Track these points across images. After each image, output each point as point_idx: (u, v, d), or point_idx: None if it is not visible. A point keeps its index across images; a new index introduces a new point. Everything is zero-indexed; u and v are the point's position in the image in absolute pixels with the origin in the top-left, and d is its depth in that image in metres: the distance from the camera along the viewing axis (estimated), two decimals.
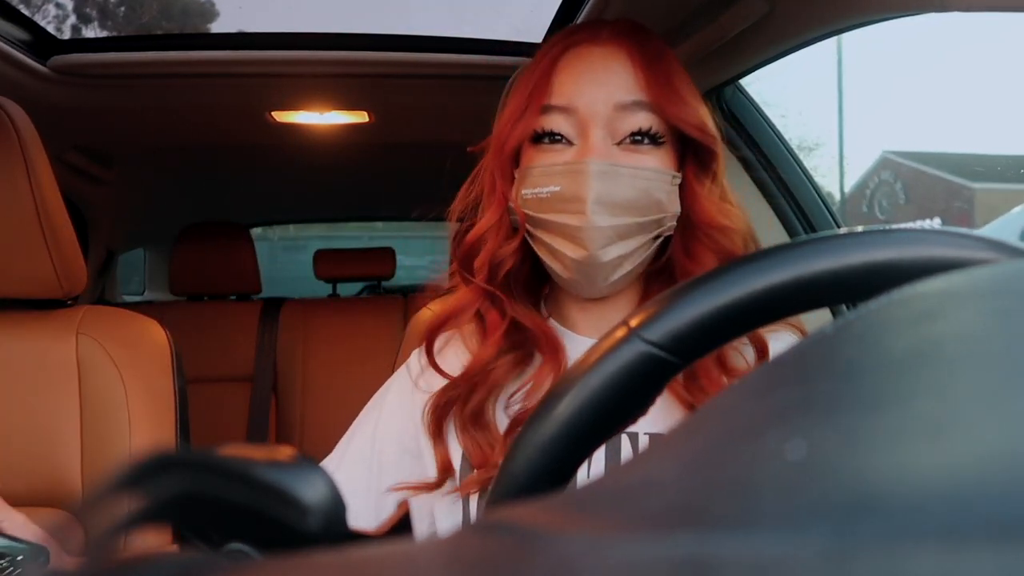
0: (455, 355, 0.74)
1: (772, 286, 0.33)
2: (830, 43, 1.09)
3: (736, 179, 1.35)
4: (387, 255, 2.63)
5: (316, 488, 0.24)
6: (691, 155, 0.67)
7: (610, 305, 0.72)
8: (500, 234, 0.69)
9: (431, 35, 1.46)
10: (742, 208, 0.70)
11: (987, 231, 0.35)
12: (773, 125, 1.40)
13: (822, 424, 0.15)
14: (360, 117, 1.73)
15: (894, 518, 0.11)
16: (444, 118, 1.70)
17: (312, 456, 0.25)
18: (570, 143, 0.66)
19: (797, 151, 1.42)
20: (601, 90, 0.65)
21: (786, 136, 1.42)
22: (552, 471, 0.34)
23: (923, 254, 0.31)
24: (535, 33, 1.42)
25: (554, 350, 0.69)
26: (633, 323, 0.34)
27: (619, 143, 0.65)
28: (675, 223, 0.67)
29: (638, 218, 0.64)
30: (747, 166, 1.36)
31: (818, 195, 1.37)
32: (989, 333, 0.17)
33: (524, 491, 0.34)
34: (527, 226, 0.67)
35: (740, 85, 1.35)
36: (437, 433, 0.71)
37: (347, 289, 2.85)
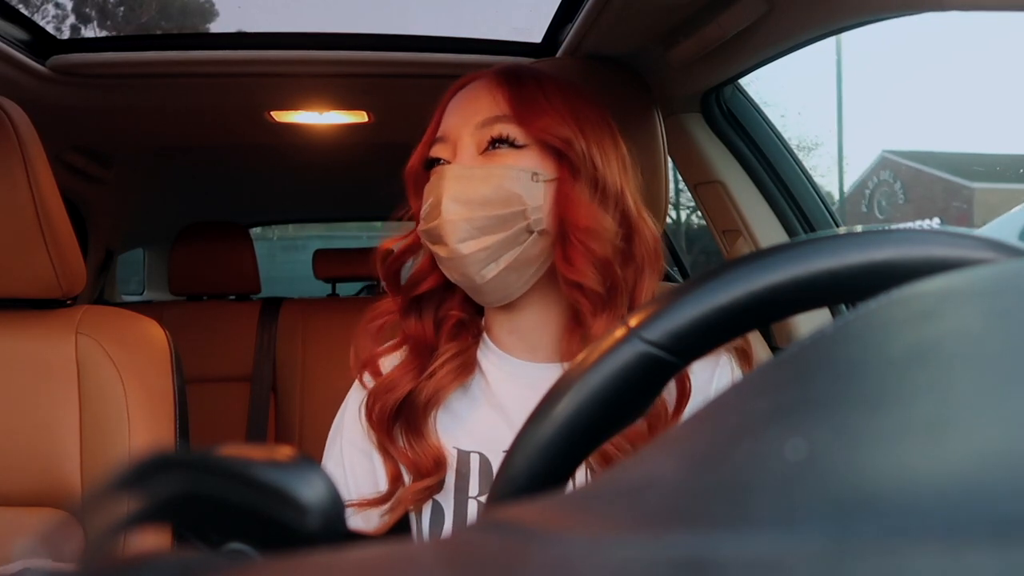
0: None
1: (771, 286, 0.33)
2: (829, 42, 1.09)
3: (736, 179, 1.36)
4: None
5: (315, 488, 0.24)
6: (562, 162, 0.72)
7: (533, 321, 0.76)
8: (419, 252, 0.78)
9: (431, 35, 1.45)
10: (650, 225, 0.75)
11: (986, 231, 0.35)
12: (772, 125, 1.40)
13: (822, 424, 0.15)
14: (359, 117, 1.73)
15: (893, 518, 0.11)
16: None
17: (311, 456, 0.25)
18: (448, 163, 0.73)
19: (796, 151, 1.42)
20: (466, 113, 0.73)
21: (785, 136, 1.42)
22: (551, 471, 0.34)
23: (922, 254, 0.31)
24: (535, 33, 1.42)
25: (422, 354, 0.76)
26: (632, 323, 0.34)
27: (483, 152, 0.72)
28: (542, 217, 0.71)
29: (496, 211, 0.69)
30: (746, 166, 1.36)
31: (817, 195, 1.37)
32: (988, 333, 0.17)
33: (523, 491, 0.34)
34: (426, 243, 0.74)
35: (739, 85, 1.35)
36: (381, 445, 0.75)
37: (346, 289, 2.84)
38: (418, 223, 0.76)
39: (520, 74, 0.76)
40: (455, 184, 0.70)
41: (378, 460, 0.76)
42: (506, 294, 0.73)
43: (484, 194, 0.69)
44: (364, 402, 0.76)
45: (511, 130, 0.71)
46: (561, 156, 0.72)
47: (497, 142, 0.71)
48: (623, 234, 0.73)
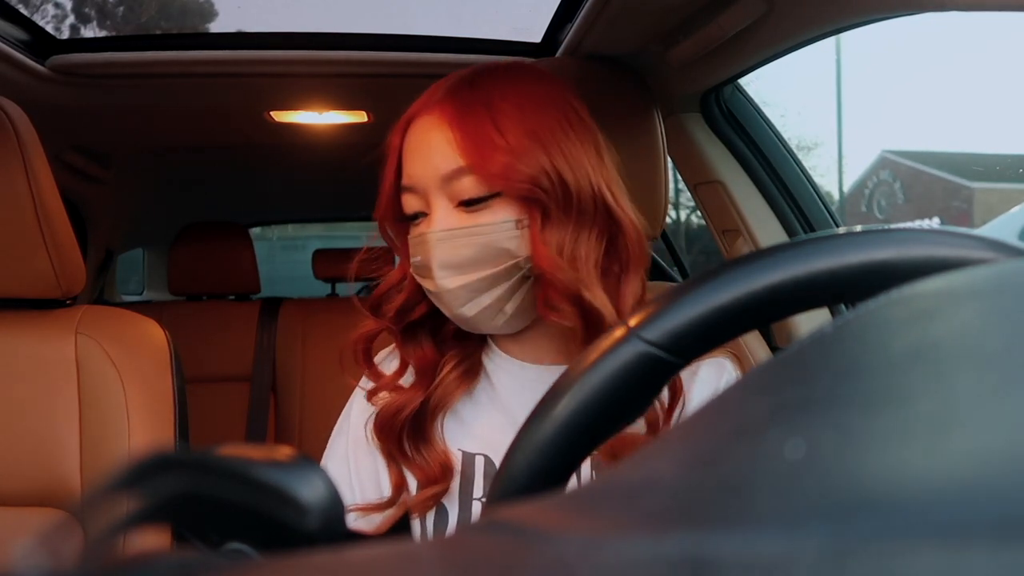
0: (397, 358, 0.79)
1: (771, 285, 0.33)
2: (829, 42, 1.09)
3: (736, 179, 1.36)
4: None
5: (315, 488, 0.24)
6: (533, 205, 0.68)
7: (539, 331, 0.75)
8: (405, 285, 0.75)
9: (431, 35, 1.45)
10: (631, 216, 0.71)
11: (986, 230, 0.35)
12: (772, 125, 1.40)
13: (821, 423, 0.15)
14: (359, 117, 1.73)
15: (893, 517, 0.11)
16: None
17: (311, 456, 0.25)
18: (426, 214, 0.71)
19: (796, 150, 1.42)
20: (428, 165, 0.69)
21: (785, 135, 1.42)
22: (551, 471, 0.34)
23: (922, 254, 0.31)
24: (535, 33, 1.41)
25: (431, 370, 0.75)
26: (632, 323, 0.34)
27: (457, 207, 0.69)
28: (531, 265, 0.69)
29: (488, 270, 0.68)
30: (746, 166, 1.36)
31: (817, 194, 1.37)
32: (988, 333, 0.17)
33: (523, 491, 0.34)
34: (424, 288, 0.72)
35: (739, 85, 1.35)
36: (388, 452, 0.74)
37: (346, 289, 2.84)
38: (403, 261, 0.76)
39: (467, 103, 0.70)
40: (441, 250, 0.68)
41: (382, 461, 0.76)
42: (516, 327, 0.73)
43: (471, 256, 0.68)
44: (371, 417, 0.75)
45: (474, 187, 0.68)
46: (531, 200, 0.68)
47: (466, 202, 0.68)
48: (607, 235, 0.70)
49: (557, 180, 0.68)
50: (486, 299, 0.69)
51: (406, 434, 0.73)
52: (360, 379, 0.80)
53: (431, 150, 0.70)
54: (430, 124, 0.71)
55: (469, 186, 0.68)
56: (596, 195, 0.69)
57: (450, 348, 0.76)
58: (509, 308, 0.70)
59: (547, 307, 0.68)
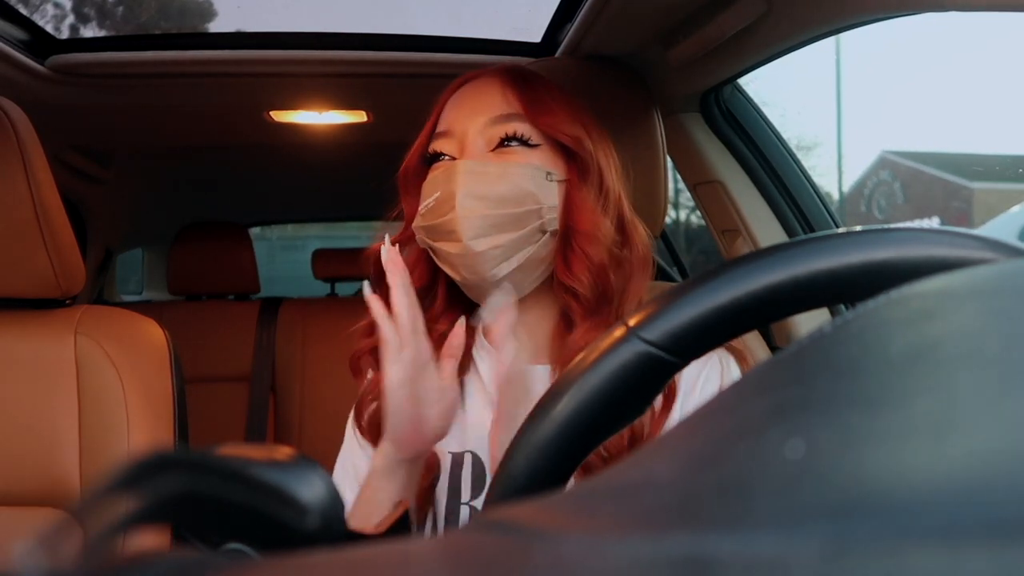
0: None
1: (771, 285, 0.33)
2: (828, 42, 1.09)
3: (735, 179, 1.36)
4: None
5: (314, 488, 0.24)
6: (572, 163, 0.72)
7: (528, 322, 0.75)
8: (405, 250, 0.75)
9: (430, 35, 1.45)
10: (641, 232, 0.75)
11: (985, 230, 0.35)
12: (771, 124, 1.40)
13: (820, 423, 0.15)
14: (359, 117, 1.73)
15: (892, 517, 0.11)
16: None
17: (310, 456, 0.25)
18: (453, 159, 0.72)
19: (795, 150, 1.42)
20: (473, 109, 0.72)
21: (784, 135, 1.42)
22: (550, 471, 0.34)
23: (921, 253, 0.31)
24: (534, 33, 1.41)
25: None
26: (632, 322, 0.34)
27: (493, 149, 0.71)
28: (556, 217, 0.71)
29: (511, 209, 0.68)
30: (746, 166, 1.36)
31: (816, 194, 1.37)
32: (987, 333, 0.17)
33: (522, 490, 0.34)
34: (426, 240, 0.72)
35: (738, 84, 1.35)
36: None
37: (345, 289, 2.84)
38: (408, 222, 0.75)
39: (526, 73, 0.75)
40: (469, 179, 0.68)
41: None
42: (513, 287, 0.72)
43: (499, 191, 0.68)
44: (353, 408, 0.76)
45: (524, 128, 0.70)
46: (571, 157, 0.71)
47: (510, 139, 0.70)
48: (619, 240, 0.73)
49: (595, 161, 0.72)
50: (501, 239, 0.68)
51: None
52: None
53: (483, 97, 0.73)
54: (486, 81, 0.74)
55: (516, 127, 0.71)
56: (618, 198, 0.73)
57: (441, 340, 0.75)
58: (517, 258, 0.69)
59: (566, 268, 0.70)
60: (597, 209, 0.71)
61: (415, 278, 0.74)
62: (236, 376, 2.13)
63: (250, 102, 1.62)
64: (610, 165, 0.74)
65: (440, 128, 0.73)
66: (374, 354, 0.77)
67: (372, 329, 0.78)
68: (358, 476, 0.77)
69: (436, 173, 0.72)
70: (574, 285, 0.69)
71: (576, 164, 0.71)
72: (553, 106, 0.72)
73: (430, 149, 0.74)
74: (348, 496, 0.75)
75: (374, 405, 0.73)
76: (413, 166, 0.75)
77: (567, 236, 0.71)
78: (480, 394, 0.76)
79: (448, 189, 0.68)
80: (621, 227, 0.73)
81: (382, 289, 0.77)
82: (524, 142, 0.70)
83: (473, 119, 0.71)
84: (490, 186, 0.68)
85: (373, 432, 0.73)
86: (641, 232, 0.75)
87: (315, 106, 1.66)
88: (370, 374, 0.77)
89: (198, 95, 1.57)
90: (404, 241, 0.76)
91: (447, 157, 0.72)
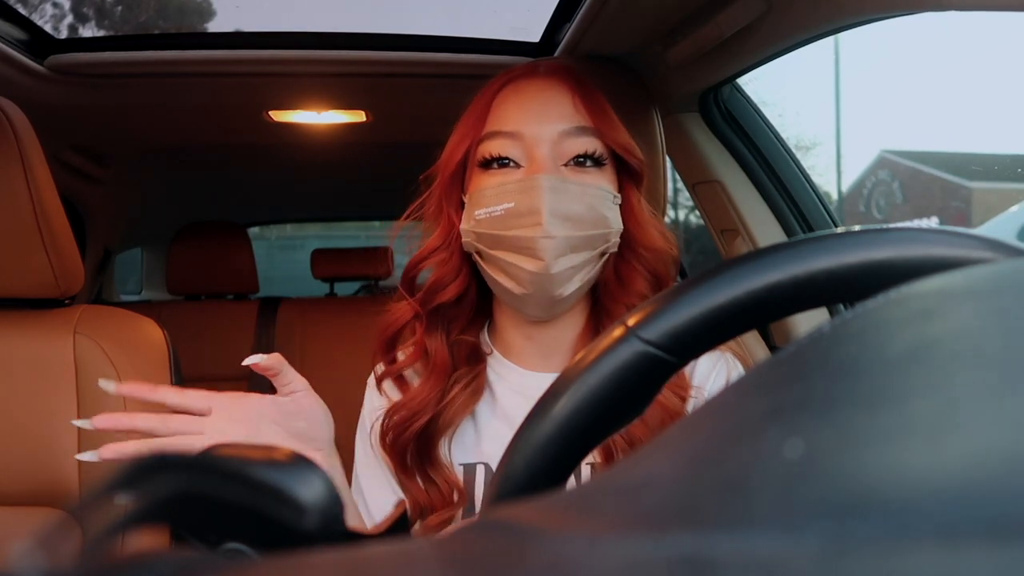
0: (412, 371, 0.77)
1: (770, 285, 0.33)
2: (828, 42, 1.09)
3: (734, 178, 1.36)
4: (384, 254, 2.63)
5: (313, 487, 0.24)
6: (628, 178, 0.72)
7: (555, 331, 0.74)
8: (443, 257, 0.73)
9: (429, 35, 1.45)
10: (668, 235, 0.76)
11: (984, 230, 0.35)
12: (770, 124, 1.40)
13: (819, 423, 0.15)
14: (358, 116, 1.73)
15: (891, 517, 0.11)
16: (442, 118, 1.69)
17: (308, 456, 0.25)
18: (518, 166, 0.69)
19: (795, 150, 1.42)
20: (546, 117, 0.69)
21: (783, 135, 1.42)
22: (550, 470, 0.34)
23: (920, 253, 0.31)
24: (533, 33, 1.41)
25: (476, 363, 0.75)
26: (631, 322, 0.34)
27: (564, 164, 0.69)
28: (618, 240, 0.71)
29: (588, 231, 0.68)
30: (745, 165, 1.36)
31: (815, 194, 1.37)
32: (986, 332, 0.17)
33: (522, 490, 0.34)
34: (479, 246, 0.70)
35: (738, 84, 1.35)
36: (403, 471, 0.73)
37: (344, 288, 2.84)
38: (441, 221, 0.73)
39: (581, 77, 0.73)
40: (553, 197, 0.66)
41: (389, 470, 0.76)
42: (562, 310, 0.72)
43: (578, 212, 0.67)
44: (379, 422, 0.75)
45: (596, 146, 0.69)
46: (631, 174, 0.71)
47: (584, 157, 0.69)
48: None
49: (644, 168, 0.73)
50: (575, 259, 0.67)
51: (411, 452, 0.72)
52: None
53: (552, 106, 0.70)
54: (546, 86, 0.71)
55: (589, 145, 0.69)
56: (661, 205, 0.78)
57: (462, 365, 0.74)
58: (580, 277, 0.69)
59: (620, 286, 0.71)
60: (652, 220, 0.72)
61: (454, 288, 0.73)
62: (235, 376, 2.12)
63: (249, 102, 1.62)
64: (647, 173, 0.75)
65: (497, 128, 0.70)
66: (399, 378, 0.76)
67: (393, 346, 0.78)
68: (392, 486, 0.76)
69: (506, 181, 0.69)
70: (633, 301, 0.69)
71: (632, 180, 0.72)
72: (613, 118, 0.71)
73: (488, 152, 0.70)
74: (376, 512, 0.74)
75: (406, 427, 0.72)
76: (456, 162, 0.72)
77: (622, 253, 0.71)
78: (491, 409, 0.76)
79: (529, 203, 0.66)
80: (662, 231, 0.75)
81: (406, 296, 0.74)
82: (597, 161, 0.69)
83: (543, 126, 0.69)
84: (571, 205, 0.66)
85: (396, 456, 0.73)
86: (675, 241, 0.76)
87: (314, 106, 1.66)
88: (391, 391, 0.77)
89: (197, 95, 1.57)
90: (435, 249, 0.73)
91: (511, 163, 0.70)
